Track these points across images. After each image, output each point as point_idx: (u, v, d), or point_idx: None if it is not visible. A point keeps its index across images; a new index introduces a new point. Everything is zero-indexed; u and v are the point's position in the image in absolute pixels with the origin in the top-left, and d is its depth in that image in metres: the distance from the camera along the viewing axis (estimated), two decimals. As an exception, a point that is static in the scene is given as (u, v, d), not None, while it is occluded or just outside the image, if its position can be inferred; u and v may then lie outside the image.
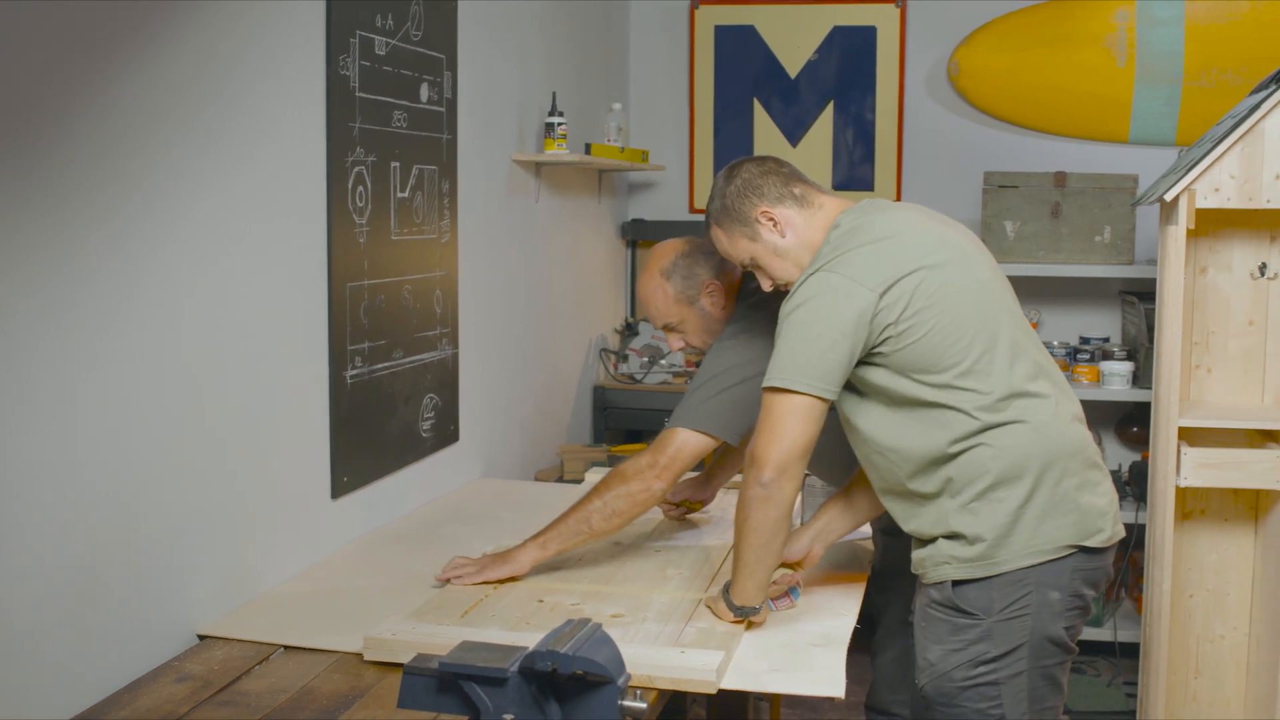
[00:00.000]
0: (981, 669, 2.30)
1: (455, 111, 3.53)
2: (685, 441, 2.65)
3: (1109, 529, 2.37)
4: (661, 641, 2.31)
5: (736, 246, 2.48)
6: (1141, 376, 4.64)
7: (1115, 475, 4.81)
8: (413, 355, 3.31)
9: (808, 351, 2.25)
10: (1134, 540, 4.74)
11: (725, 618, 2.39)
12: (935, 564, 2.35)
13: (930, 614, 2.38)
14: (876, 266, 2.28)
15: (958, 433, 2.30)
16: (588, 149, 4.37)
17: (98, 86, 2.11)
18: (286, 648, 2.36)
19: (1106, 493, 2.40)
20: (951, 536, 2.33)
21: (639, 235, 5.38)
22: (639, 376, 4.99)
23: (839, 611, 2.53)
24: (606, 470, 3.74)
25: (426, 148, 3.35)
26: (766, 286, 2.52)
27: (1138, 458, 5.02)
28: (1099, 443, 5.01)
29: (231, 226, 2.50)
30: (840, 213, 2.42)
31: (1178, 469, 3.53)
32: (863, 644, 2.70)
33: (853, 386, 2.38)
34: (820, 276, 2.29)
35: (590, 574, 2.74)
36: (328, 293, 2.87)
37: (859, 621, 2.50)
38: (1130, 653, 4.62)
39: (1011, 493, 2.29)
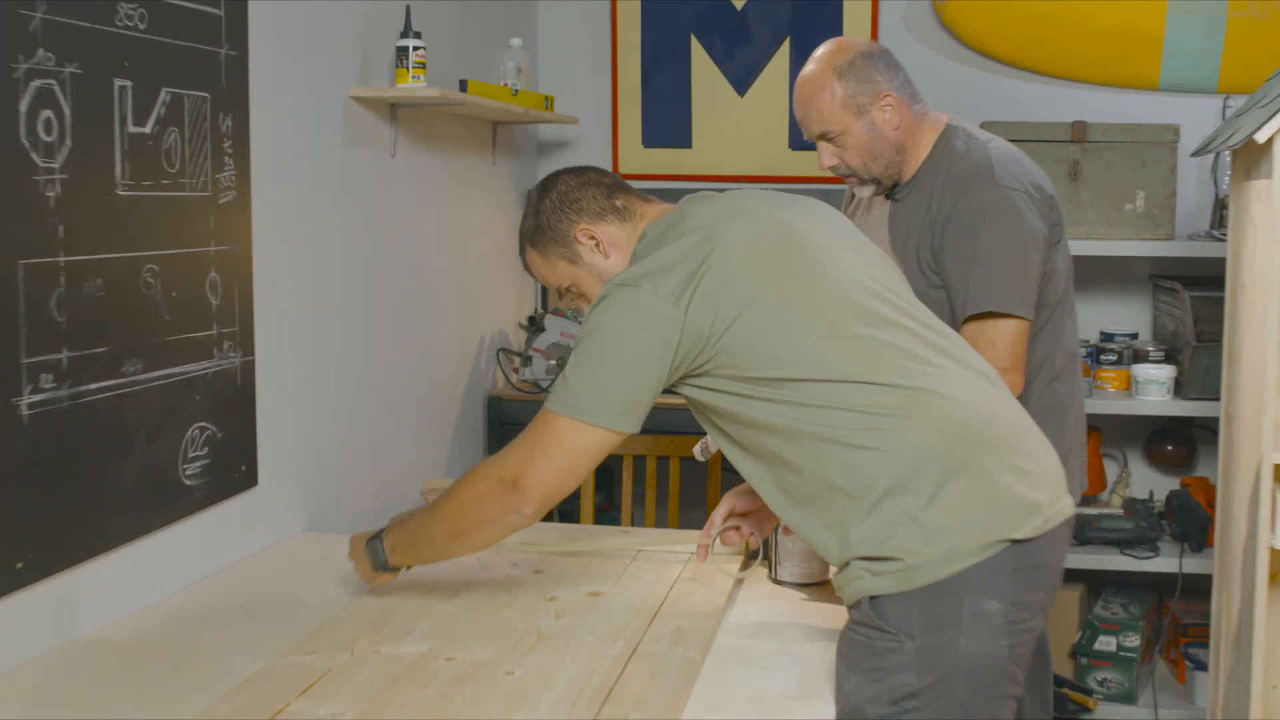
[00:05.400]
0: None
1: (245, 15, 2.46)
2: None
3: None
4: None
5: (555, 270, 2.14)
6: (1186, 384, 3.62)
7: (1146, 504, 3.80)
8: (164, 368, 2.25)
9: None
10: (1178, 591, 3.72)
11: (363, 569, 2.19)
12: None
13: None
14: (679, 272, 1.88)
15: None
16: (463, 86, 3.31)
17: None
18: None
19: None
20: None
21: (550, 207, 4.31)
22: (545, 384, 3.93)
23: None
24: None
25: (187, 64, 2.29)
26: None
27: (1175, 484, 4.01)
28: (1124, 465, 4.03)
29: None
30: (656, 219, 2.06)
31: (1273, 523, 2.49)
32: None
33: None
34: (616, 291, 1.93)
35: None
36: (-24, 274, 1.81)
37: None
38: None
39: None
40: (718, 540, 2.34)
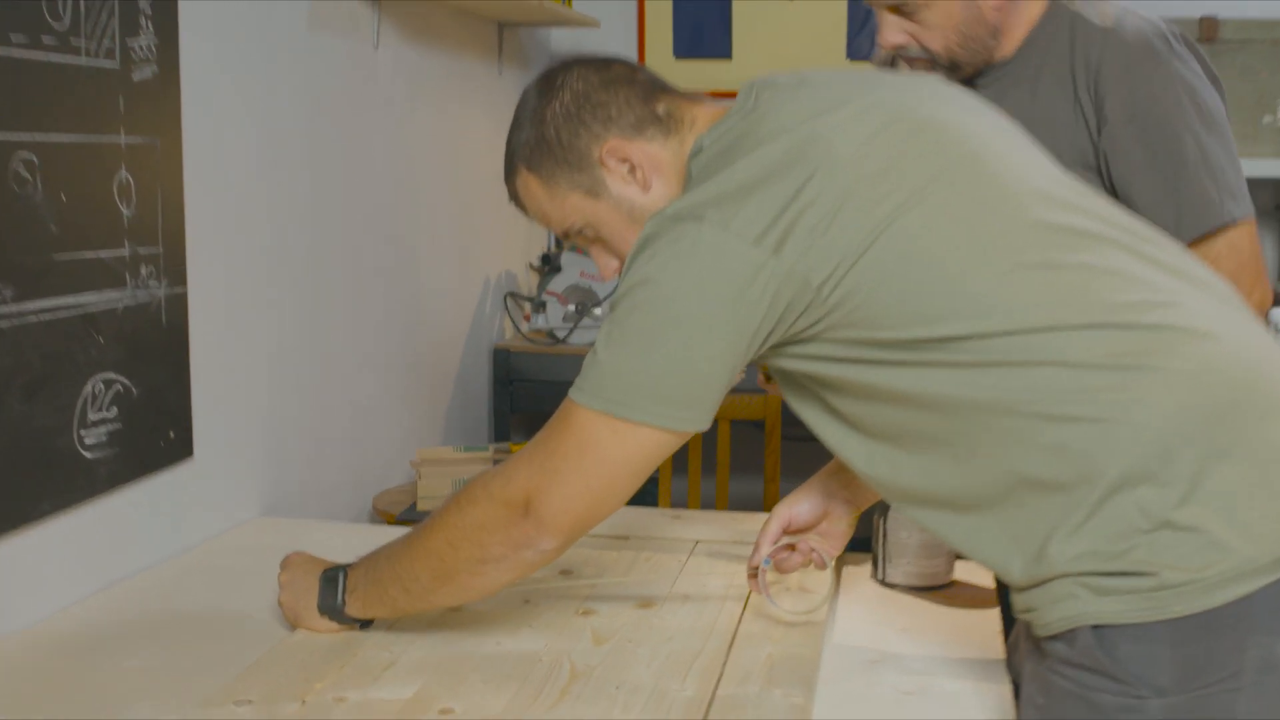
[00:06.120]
0: None
1: None
2: None
3: None
4: None
5: (564, 205, 1.45)
6: (1339, 330, 3.01)
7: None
8: (48, 296, 1.63)
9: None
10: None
11: (299, 603, 1.55)
12: None
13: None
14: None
15: None
16: (462, -36, 2.70)
17: None
18: None
19: None
20: None
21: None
22: (561, 334, 3.32)
23: None
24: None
25: (79, -122, 1.67)
26: (608, 274, 1.51)
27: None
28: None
29: None
30: (710, 125, 1.38)
31: None
32: None
33: None
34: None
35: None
36: None
37: None
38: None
39: None
40: (770, 568, 1.68)
